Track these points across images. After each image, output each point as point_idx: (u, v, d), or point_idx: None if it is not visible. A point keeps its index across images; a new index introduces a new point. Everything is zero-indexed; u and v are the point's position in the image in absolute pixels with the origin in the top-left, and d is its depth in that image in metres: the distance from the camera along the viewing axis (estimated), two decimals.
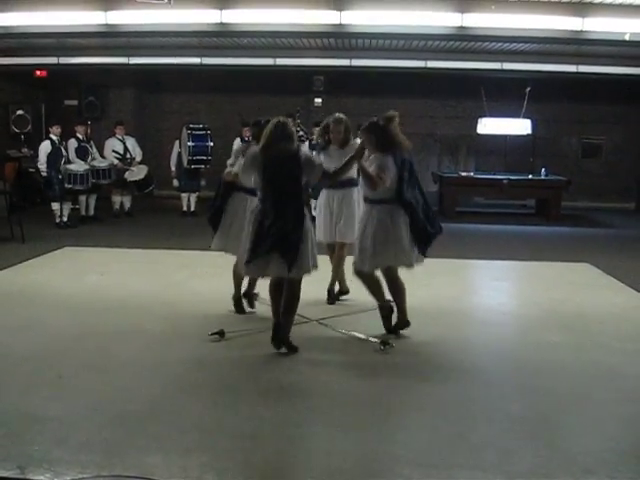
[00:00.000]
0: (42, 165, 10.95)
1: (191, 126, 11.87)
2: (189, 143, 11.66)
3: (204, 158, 11.77)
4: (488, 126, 14.39)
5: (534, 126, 14.43)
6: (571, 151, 16.22)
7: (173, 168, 12.75)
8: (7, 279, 7.48)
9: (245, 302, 6.20)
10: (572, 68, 12.69)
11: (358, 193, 6.14)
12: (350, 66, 13.19)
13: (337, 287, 6.66)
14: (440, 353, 5.36)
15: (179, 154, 12.40)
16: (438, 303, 6.70)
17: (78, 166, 11.13)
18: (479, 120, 14.48)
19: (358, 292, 6.37)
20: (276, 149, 5.00)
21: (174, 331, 5.66)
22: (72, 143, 11.35)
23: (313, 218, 5.69)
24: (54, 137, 10.99)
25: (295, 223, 4.97)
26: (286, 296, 5.15)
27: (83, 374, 4.65)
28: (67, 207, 11.14)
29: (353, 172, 6.02)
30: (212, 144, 11.85)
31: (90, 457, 3.46)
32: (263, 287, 6.10)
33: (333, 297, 6.60)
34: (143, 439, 3.69)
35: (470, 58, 12.45)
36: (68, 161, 11.08)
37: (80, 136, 11.53)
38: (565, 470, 3.48)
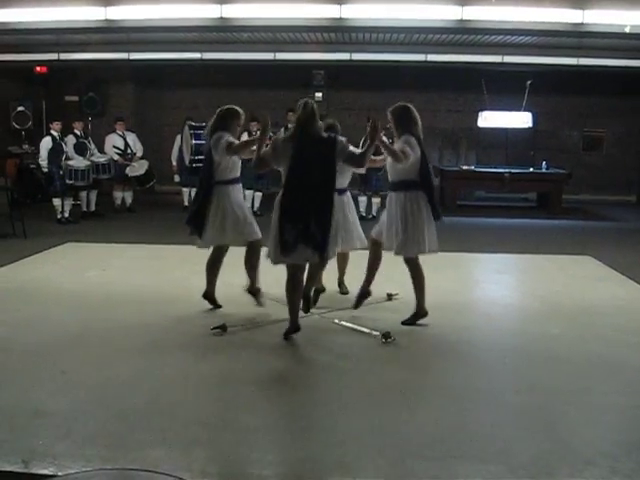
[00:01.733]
0: (43, 161, 10.96)
1: (194, 124, 11.78)
2: (192, 141, 11.53)
3: None
4: (489, 119, 14.38)
5: (535, 119, 14.41)
6: (572, 144, 16.20)
7: (174, 163, 12.75)
8: (9, 275, 7.49)
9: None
10: (573, 61, 12.66)
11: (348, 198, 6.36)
12: (350, 60, 13.17)
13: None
14: (442, 346, 5.37)
15: (180, 149, 12.38)
16: (440, 296, 6.70)
17: (79, 162, 11.15)
18: (480, 113, 14.46)
19: (355, 285, 6.38)
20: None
21: (176, 325, 5.67)
22: (70, 139, 11.36)
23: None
24: (55, 133, 11.01)
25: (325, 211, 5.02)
26: (312, 270, 5.41)
27: (86, 369, 4.66)
28: (68, 203, 11.15)
29: (344, 181, 6.16)
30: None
31: (94, 451, 3.48)
32: (262, 282, 6.12)
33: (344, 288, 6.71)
34: (146, 433, 3.71)
35: (471, 51, 12.42)
36: (69, 157, 11.10)
37: (78, 132, 11.55)
38: (566, 461, 3.50)
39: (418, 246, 5.64)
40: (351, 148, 5.53)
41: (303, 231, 5.00)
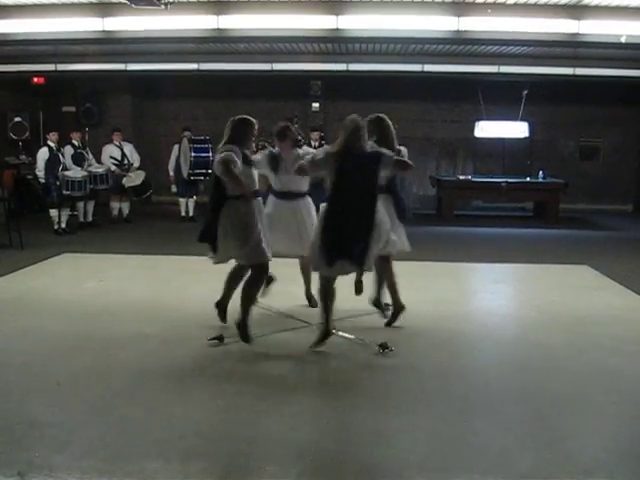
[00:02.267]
0: (40, 172, 10.98)
1: (194, 138, 11.70)
2: (192, 155, 11.40)
3: (204, 171, 11.57)
4: (486, 129, 14.43)
5: (531, 129, 14.46)
6: (569, 153, 16.24)
7: (172, 173, 12.75)
8: (6, 286, 7.48)
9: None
10: (569, 71, 12.71)
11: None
12: (347, 71, 13.21)
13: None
14: (439, 356, 5.36)
15: (177, 160, 12.35)
16: (438, 306, 6.71)
17: (76, 172, 11.15)
18: (476, 123, 14.51)
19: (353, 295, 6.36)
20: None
21: (173, 337, 5.66)
22: (68, 150, 11.38)
23: None
24: (52, 144, 11.02)
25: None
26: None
27: (83, 380, 4.65)
28: (65, 213, 11.15)
29: (304, 185, 6.09)
30: (212, 158, 11.38)
31: (90, 463, 3.46)
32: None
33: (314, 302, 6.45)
34: (143, 444, 3.69)
35: (467, 61, 12.47)
36: (66, 168, 11.11)
37: (76, 143, 11.57)
38: (565, 471, 3.49)
39: (379, 246, 5.63)
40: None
41: (346, 245, 5.05)
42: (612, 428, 4.05)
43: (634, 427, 4.10)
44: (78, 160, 11.39)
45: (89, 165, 11.64)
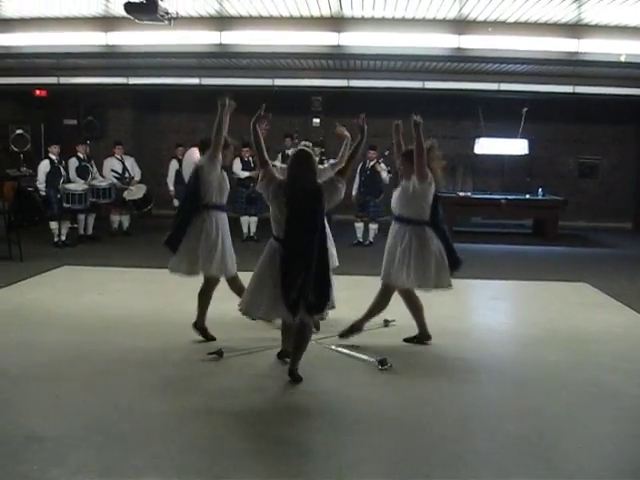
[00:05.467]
0: (41, 184, 11.00)
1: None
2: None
3: None
4: (485, 146, 14.46)
5: (531, 146, 14.50)
6: (568, 171, 16.28)
7: (171, 187, 12.73)
8: (5, 298, 7.47)
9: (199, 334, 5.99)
10: (569, 89, 12.79)
11: None
12: (348, 87, 13.27)
13: None
14: (438, 372, 5.36)
15: (177, 172, 12.32)
16: (436, 322, 6.69)
17: (76, 185, 11.17)
18: (476, 140, 14.55)
19: (354, 312, 6.37)
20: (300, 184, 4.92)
21: (173, 350, 5.65)
22: (73, 162, 11.41)
23: None
24: (53, 156, 11.05)
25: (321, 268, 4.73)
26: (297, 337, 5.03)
27: (81, 394, 4.64)
28: (65, 226, 11.17)
29: None
30: None
31: (88, 477, 3.45)
32: None
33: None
34: (140, 459, 3.68)
35: (467, 79, 12.54)
36: (67, 180, 11.14)
37: (81, 155, 11.61)
38: None
39: None
40: None
41: None
42: (609, 446, 4.05)
43: (631, 445, 4.10)
44: (83, 173, 11.44)
45: (93, 178, 11.67)
